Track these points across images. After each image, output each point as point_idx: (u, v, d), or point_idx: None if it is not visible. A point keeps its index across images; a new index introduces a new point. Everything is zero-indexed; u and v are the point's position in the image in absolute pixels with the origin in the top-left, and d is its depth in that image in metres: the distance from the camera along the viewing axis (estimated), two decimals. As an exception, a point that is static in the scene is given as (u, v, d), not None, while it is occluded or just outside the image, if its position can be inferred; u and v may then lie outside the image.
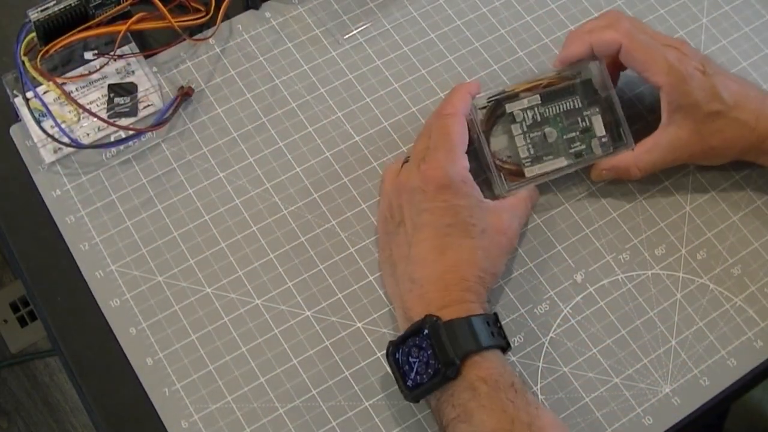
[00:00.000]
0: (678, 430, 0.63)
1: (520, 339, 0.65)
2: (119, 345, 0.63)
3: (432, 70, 0.74)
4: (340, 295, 0.66)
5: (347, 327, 0.65)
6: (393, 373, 0.60)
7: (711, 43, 0.77)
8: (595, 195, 0.70)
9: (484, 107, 0.67)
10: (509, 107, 0.67)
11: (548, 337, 0.65)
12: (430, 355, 0.57)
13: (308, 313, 0.65)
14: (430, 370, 0.57)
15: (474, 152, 0.66)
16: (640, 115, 0.73)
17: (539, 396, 0.63)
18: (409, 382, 0.58)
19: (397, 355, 0.59)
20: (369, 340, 0.64)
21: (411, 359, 0.58)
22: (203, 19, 0.73)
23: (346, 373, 0.63)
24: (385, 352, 0.60)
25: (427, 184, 0.62)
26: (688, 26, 0.78)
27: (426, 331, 0.58)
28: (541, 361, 0.64)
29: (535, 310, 0.66)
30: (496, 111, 0.67)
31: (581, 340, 0.65)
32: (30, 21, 0.67)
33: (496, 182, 0.66)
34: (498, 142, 0.67)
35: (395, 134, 0.72)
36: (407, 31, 0.76)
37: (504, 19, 0.77)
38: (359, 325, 0.65)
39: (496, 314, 0.60)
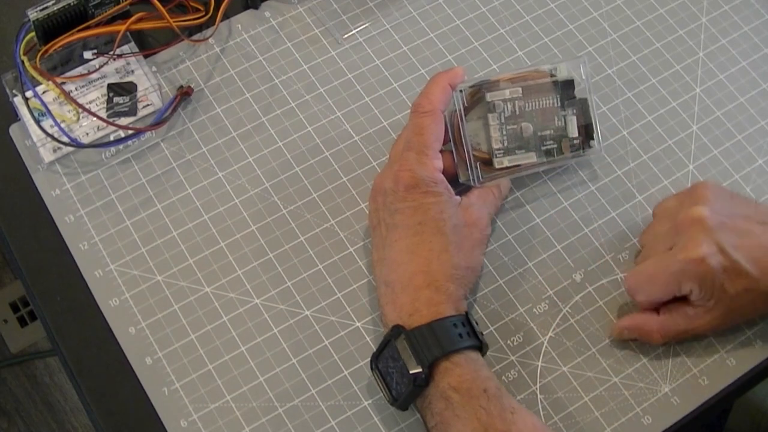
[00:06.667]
0: (677, 429, 0.63)
1: (519, 338, 0.65)
2: (118, 344, 0.63)
3: (431, 69, 0.74)
4: (339, 295, 0.66)
5: (346, 326, 0.65)
6: (378, 384, 0.60)
7: (710, 42, 0.77)
8: (595, 195, 0.70)
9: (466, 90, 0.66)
10: (490, 96, 0.66)
11: (547, 337, 0.65)
12: (402, 366, 0.57)
13: (307, 312, 0.65)
14: (405, 380, 0.57)
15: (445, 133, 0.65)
16: (628, 121, 0.73)
17: (538, 395, 0.63)
18: (393, 392, 0.59)
19: (379, 367, 0.59)
20: (368, 339, 0.64)
21: (390, 370, 0.58)
22: (202, 19, 0.74)
23: (345, 372, 0.63)
24: (370, 363, 0.60)
25: (398, 185, 0.62)
26: (688, 26, 0.78)
27: (393, 343, 0.58)
28: (540, 360, 0.64)
29: (534, 310, 0.66)
30: (475, 96, 0.66)
31: (580, 339, 0.65)
32: (29, 20, 0.67)
33: (471, 172, 0.65)
34: (470, 128, 0.66)
35: (394, 134, 0.71)
36: (406, 30, 0.76)
37: (503, 18, 0.77)
38: (358, 324, 0.65)
39: (467, 314, 0.60)
